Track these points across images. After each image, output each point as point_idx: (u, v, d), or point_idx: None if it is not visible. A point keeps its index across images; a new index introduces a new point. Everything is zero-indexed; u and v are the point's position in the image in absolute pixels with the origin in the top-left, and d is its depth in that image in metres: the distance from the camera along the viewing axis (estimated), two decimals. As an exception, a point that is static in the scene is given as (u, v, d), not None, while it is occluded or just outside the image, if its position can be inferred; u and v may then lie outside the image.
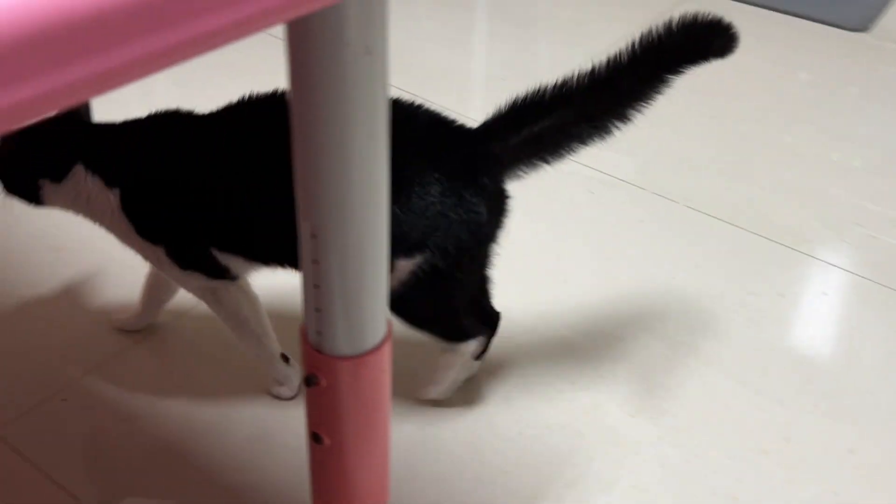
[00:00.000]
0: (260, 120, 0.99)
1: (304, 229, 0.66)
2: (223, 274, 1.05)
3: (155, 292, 1.22)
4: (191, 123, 1.03)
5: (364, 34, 0.56)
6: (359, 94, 0.58)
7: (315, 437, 0.75)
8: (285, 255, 1.00)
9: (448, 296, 1.05)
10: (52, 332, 1.27)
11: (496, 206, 1.02)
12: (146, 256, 1.06)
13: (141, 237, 1.03)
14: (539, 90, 1.00)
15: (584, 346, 1.27)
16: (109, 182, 1.01)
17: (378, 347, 0.71)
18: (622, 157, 1.64)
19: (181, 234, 1.03)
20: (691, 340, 1.28)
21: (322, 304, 0.68)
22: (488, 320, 1.15)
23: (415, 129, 0.99)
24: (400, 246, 0.94)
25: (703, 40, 0.98)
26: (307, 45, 0.56)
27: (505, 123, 1.02)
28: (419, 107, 1.02)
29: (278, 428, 1.14)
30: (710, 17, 0.97)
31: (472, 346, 1.11)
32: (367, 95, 0.59)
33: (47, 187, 1.03)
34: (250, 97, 1.00)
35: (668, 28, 0.97)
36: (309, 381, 0.72)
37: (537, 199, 1.51)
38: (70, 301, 1.32)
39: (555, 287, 1.38)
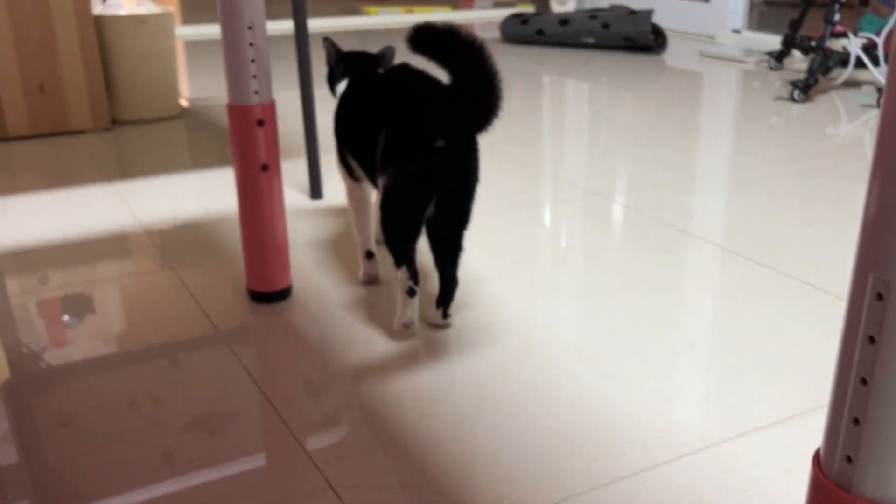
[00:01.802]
0: (384, 84, 1.33)
1: (859, 282, 0.50)
2: (351, 173, 1.42)
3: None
4: (376, 74, 1.42)
5: None
6: None
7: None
8: (370, 171, 1.31)
9: (390, 215, 1.24)
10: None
11: (444, 159, 1.19)
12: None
13: (334, 133, 1.43)
14: None
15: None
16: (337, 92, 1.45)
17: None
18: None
19: (340, 134, 1.41)
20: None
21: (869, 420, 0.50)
22: (444, 281, 1.29)
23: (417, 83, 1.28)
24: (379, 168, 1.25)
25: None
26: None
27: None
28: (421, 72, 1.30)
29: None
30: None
31: (400, 273, 1.26)
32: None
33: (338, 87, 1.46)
34: (401, 70, 1.33)
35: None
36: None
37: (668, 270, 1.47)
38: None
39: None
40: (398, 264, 1.27)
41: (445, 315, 1.31)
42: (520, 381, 1.16)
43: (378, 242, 1.59)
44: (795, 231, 1.69)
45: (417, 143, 1.19)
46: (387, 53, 1.46)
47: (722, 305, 1.38)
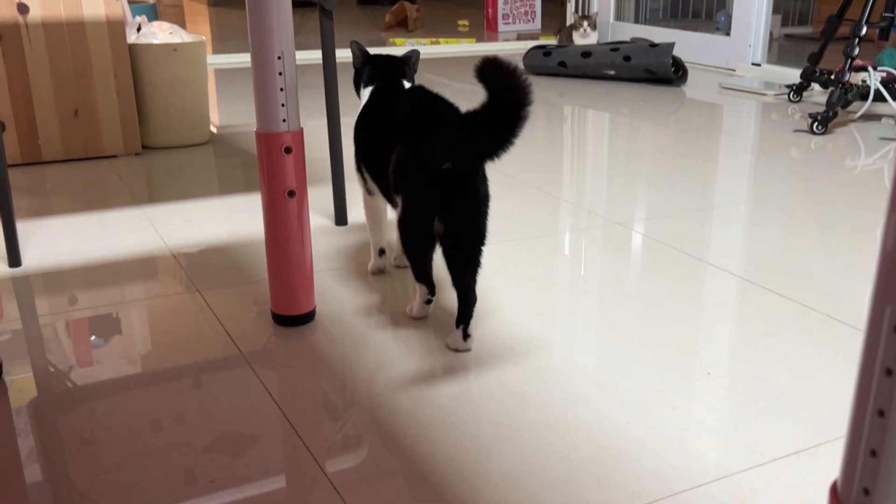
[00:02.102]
0: (399, 105, 1.38)
1: (877, 315, 0.49)
2: (366, 184, 1.48)
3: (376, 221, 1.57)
4: (397, 90, 1.45)
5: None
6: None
7: None
8: (384, 188, 1.36)
9: (405, 234, 1.30)
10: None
11: (450, 184, 1.23)
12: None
13: (354, 141, 1.47)
14: None
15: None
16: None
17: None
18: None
19: (358, 145, 1.46)
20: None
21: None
22: (461, 297, 1.30)
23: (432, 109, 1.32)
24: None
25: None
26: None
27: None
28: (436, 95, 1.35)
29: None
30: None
31: (419, 287, 1.37)
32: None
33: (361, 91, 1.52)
34: (418, 92, 1.39)
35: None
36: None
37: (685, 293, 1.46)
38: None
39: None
40: (417, 279, 1.35)
41: (466, 336, 1.30)
42: (538, 408, 1.15)
43: (398, 267, 1.62)
44: (814, 262, 1.67)
45: (426, 165, 1.23)
46: (411, 56, 1.51)
47: (740, 335, 1.37)
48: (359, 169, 1.48)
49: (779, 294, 1.52)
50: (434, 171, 1.22)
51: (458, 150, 1.20)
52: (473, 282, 1.29)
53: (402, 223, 1.29)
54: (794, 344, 1.34)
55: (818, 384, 1.22)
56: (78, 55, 2.37)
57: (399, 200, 1.28)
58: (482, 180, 1.26)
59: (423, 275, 1.34)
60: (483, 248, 1.28)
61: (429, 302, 1.39)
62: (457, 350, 1.31)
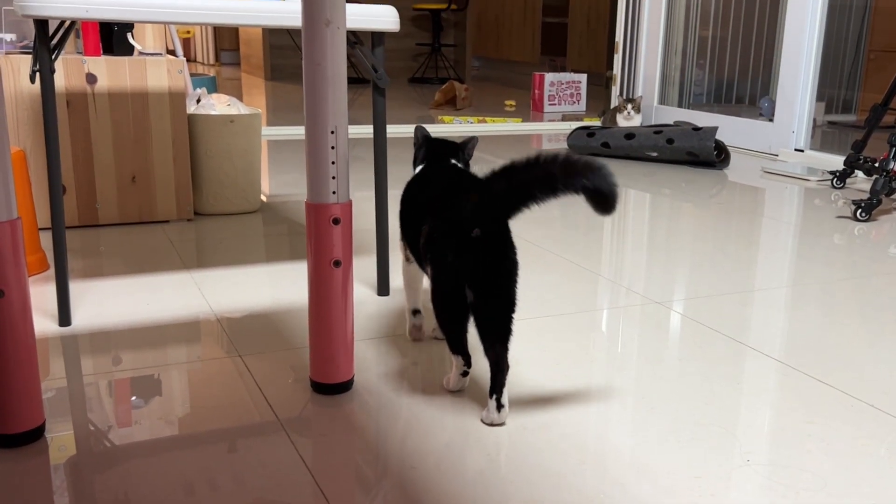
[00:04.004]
0: (433, 181, 1.44)
1: None
2: (406, 252, 1.51)
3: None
4: (438, 170, 1.48)
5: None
6: None
7: None
8: (419, 259, 1.40)
9: (437, 303, 1.31)
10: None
11: (477, 245, 1.23)
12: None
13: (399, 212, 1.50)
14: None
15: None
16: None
17: None
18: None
19: (400, 217, 1.49)
20: None
21: None
22: (494, 366, 1.28)
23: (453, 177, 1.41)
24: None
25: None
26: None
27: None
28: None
29: None
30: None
31: (455, 360, 1.36)
32: None
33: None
34: (448, 169, 1.46)
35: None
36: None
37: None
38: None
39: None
40: (452, 351, 1.35)
41: (500, 406, 1.28)
42: (572, 490, 1.12)
43: (436, 339, 1.60)
44: (857, 350, 1.62)
45: (454, 233, 1.24)
46: (468, 142, 1.54)
47: (781, 422, 1.32)
48: (402, 238, 1.51)
49: (821, 381, 1.48)
50: (463, 239, 1.23)
51: (485, 214, 1.22)
52: (505, 350, 1.27)
53: (435, 293, 1.30)
54: (837, 433, 1.29)
55: (860, 475, 1.16)
56: (139, 123, 2.44)
57: (430, 271, 1.30)
58: (510, 247, 1.25)
59: (458, 346, 1.33)
60: (513, 316, 1.27)
61: (465, 374, 1.37)
62: (492, 424, 1.28)
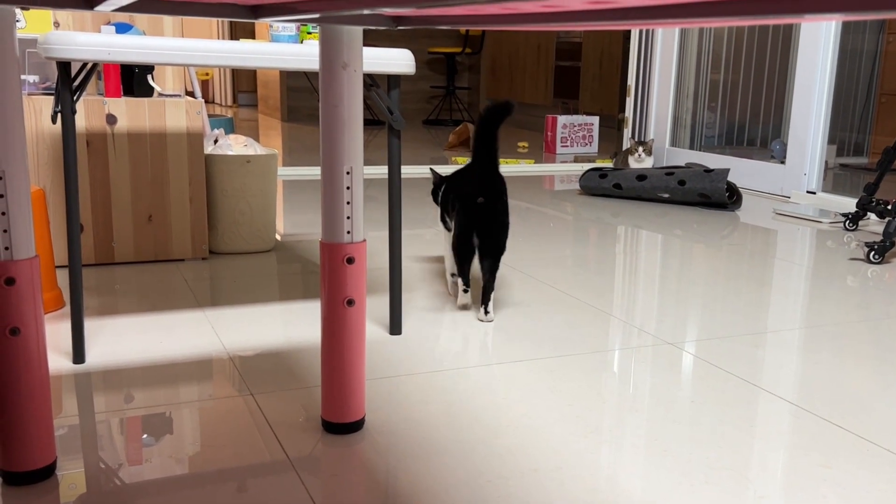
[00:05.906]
0: (474, 171, 1.98)
1: None
2: (446, 225, 2.17)
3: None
4: (470, 168, 2.01)
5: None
6: None
7: None
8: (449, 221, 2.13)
9: (455, 244, 2.00)
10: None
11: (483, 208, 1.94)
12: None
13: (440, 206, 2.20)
14: None
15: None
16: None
17: None
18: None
19: (442, 203, 2.17)
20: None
21: None
22: (486, 285, 1.99)
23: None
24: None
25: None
26: None
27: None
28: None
29: None
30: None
31: (459, 280, 2.06)
32: None
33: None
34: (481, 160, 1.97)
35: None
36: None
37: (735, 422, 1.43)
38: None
39: None
40: (459, 274, 2.04)
41: (486, 311, 1.97)
42: (583, 532, 1.10)
43: (480, 321, 1.62)
44: (871, 393, 1.60)
45: (466, 201, 1.94)
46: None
47: (795, 465, 1.30)
48: (442, 219, 2.17)
49: (835, 424, 1.45)
50: (472, 204, 1.93)
51: (483, 189, 1.93)
52: (493, 277, 1.98)
53: (455, 238, 1.98)
54: (852, 478, 1.27)
55: (878, 522, 1.14)
56: (157, 163, 2.46)
57: (453, 226, 2.00)
58: (503, 212, 1.93)
59: (463, 273, 2.03)
60: (501, 256, 1.97)
61: (465, 291, 2.05)
62: (480, 321, 1.97)
